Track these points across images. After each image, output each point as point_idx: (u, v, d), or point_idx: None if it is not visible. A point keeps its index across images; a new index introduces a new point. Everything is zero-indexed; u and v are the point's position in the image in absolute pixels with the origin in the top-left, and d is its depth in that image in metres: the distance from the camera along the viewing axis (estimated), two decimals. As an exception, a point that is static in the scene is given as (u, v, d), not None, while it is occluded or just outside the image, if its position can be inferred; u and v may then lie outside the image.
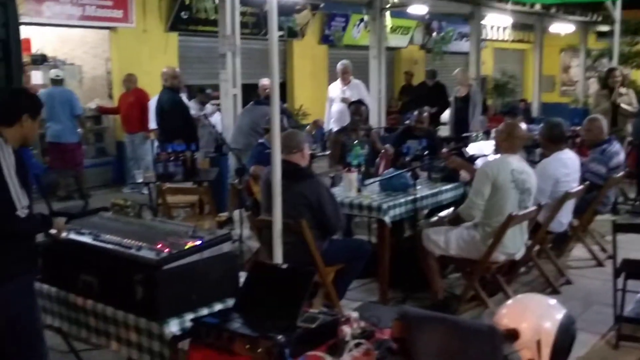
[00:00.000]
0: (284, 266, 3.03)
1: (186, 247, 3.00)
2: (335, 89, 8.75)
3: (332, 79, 13.98)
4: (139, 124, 9.40)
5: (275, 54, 3.99)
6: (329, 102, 8.85)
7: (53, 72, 8.77)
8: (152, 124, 7.76)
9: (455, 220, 4.64)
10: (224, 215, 5.91)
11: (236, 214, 6.47)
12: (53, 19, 8.94)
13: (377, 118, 10.65)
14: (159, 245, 3.00)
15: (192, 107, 8.31)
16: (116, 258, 3.03)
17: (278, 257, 4.16)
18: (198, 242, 3.05)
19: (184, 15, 10.45)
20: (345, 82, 8.62)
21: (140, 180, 6.15)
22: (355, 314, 2.80)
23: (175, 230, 3.26)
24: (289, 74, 13.05)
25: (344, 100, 8.31)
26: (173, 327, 2.84)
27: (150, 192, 6.19)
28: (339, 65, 8.72)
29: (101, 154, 10.28)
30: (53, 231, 3.30)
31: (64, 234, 3.32)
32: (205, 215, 6.10)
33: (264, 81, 8.73)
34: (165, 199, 5.65)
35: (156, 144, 7.86)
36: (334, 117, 8.54)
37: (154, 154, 6.79)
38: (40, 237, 3.41)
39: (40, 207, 3.71)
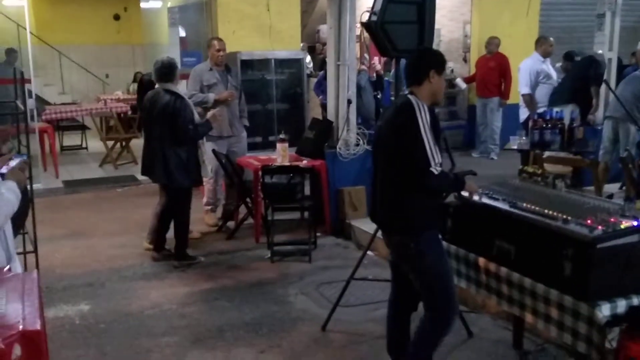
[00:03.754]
0: None
1: (622, 226, 2.73)
2: None
3: None
4: (496, 89, 9.27)
5: None
6: None
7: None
8: (524, 89, 7.48)
9: None
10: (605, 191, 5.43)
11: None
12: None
13: None
14: (589, 221, 2.79)
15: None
16: (539, 228, 2.91)
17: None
18: (635, 223, 2.75)
19: (550, -25, 9.87)
20: None
21: (514, 147, 5.99)
22: None
23: (602, 207, 3.01)
24: (662, 36, 11.48)
25: None
26: (605, 311, 2.62)
27: (522, 159, 6.00)
28: None
29: (453, 117, 10.44)
30: (465, 193, 3.33)
31: (475, 197, 3.32)
32: (582, 189, 5.68)
33: (644, 45, 7.80)
34: (543, 167, 5.38)
35: (524, 109, 7.56)
36: None
37: (528, 119, 6.54)
38: (450, 198, 3.48)
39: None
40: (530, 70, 7.49)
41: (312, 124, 6.84)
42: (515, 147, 5.98)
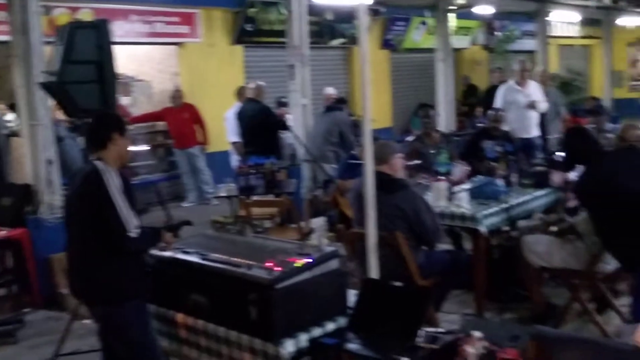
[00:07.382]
0: (398, 284, 2.95)
1: (296, 264, 2.95)
2: (511, 92, 7.65)
3: (395, 83, 13.95)
4: (194, 137, 9.36)
5: (367, 64, 3.90)
6: (505, 105, 7.54)
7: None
8: (232, 137, 7.77)
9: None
10: (306, 226, 5.86)
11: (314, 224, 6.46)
12: (124, 37, 9.04)
13: (445, 122, 10.43)
14: (269, 264, 2.97)
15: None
16: (227, 278, 3.02)
17: (373, 271, 4.07)
18: (308, 260, 3.00)
19: (249, 27, 10.51)
20: (524, 82, 7.64)
21: (223, 194, 6.19)
22: (478, 333, 2.69)
23: (282, 248, 3.23)
24: (351, 81, 12.96)
25: (531, 105, 7.49)
26: (289, 347, 2.79)
27: (232, 205, 6.21)
28: (517, 65, 7.74)
29: (171, 168, 10.35)
30: (162, 244, 3.33)
31: (169, 252, 3.33)
32: (288, 227, 6.06)
33: (329, 90, 8.71)
34: (249, 211, 5.64)
35: (235, 157, 7.87)
36: (514, 123, 7.27)
37: (234, 167, 6.81)
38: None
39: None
40: (237, 119, 7.85)
41: (7, 189, 6.27)
42: (224, 194, 6.19)
